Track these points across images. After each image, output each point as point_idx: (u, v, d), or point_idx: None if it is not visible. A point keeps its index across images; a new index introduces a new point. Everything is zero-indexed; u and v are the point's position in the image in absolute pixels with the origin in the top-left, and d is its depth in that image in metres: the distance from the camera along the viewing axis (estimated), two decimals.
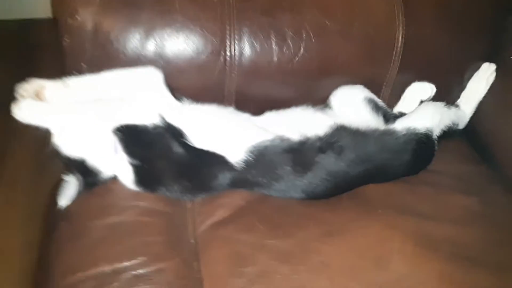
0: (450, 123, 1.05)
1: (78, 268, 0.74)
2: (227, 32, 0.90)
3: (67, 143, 0.80)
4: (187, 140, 0.81)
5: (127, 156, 0.80)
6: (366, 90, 1.03)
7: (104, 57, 0.85)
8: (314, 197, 0.89)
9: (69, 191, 0.84)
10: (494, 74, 1.10)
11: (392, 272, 0.76)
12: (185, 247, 0.80)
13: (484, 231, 0.88)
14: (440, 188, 0.97)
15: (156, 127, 0.79)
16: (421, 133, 0.96)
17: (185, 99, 0.89)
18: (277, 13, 0.92)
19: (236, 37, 0.91)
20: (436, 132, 1.00)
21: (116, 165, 0.83)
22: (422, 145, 0.97)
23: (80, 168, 0.82)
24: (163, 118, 0.80)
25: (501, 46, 1.11)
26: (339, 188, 0.91)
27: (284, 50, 0.94)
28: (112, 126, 0.79)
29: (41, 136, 0.82)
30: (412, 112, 1.02)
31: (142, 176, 0.82)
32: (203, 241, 0.81)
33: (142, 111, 0.79)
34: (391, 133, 0.95)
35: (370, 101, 1.02)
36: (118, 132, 0.78)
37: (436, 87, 1.08)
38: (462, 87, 1.13)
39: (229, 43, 0.90)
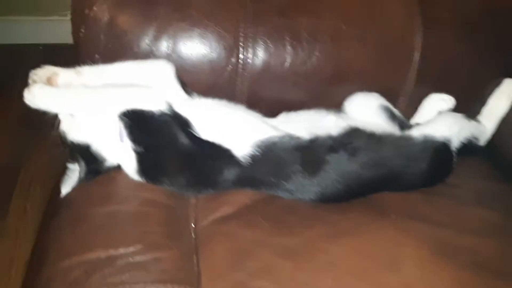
0: (470, 135, 1.01)
1: (73, 252, 0.71)
2: (241, 30, 0.90)
3: (74, 128, 0.80)
4: (193, 131, 0.80)
5: (131, 142, 0.79)
6: (382, 98, 1.01)
7: (118, 49, 0.86)
8: (324, 199, 0.85)
9: (72, 179, 0.83)
10: None
11: (404, 275, 0.71)
12: (185, 240, 0.77)
13: (505, 243, 0.82)
14: (459, 200, 0.92)
15: (162, 114, 0.78)
16: (438, 142, 0.92)
17: (195, 94, 0.88)
18: (293, 15, 0.92)
19: (251, 36, 0.91)
20: (455, 144, 0.96)
21: (120, 153, 0.81)
22: (439, 155, 0.93)
23: (85, 154, 0.82)
24: (170, 106, 0.79)
25: None
26: (350, 191, 0.86)
27: (299, 52, 0.94)
28: (118, 111, 0.78)
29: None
30: (430, 120, 0.98)
31: (146, 165, 0.80)
32: (204, 236, 0.78)
33: (149, 96, 0.79)
34: (407, 139, 0.92)
35: (386, 109, 0.99)
36: (124, 117, 0.78)
37: (455, 101, 1.04)
38: (483, 102, 1.09)
39: (242, 42, 0.91)
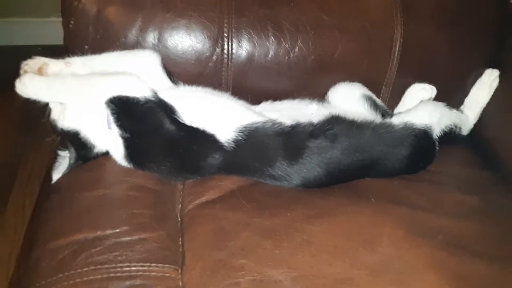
0: (451, 124, 1.03)
1: (61, 234, 0.74)
2: (225, 21, 0.93)
3: (63, 116, 0.83)
4: (178, 117, 0.82)
5: (118, 129, 0.81)
6: (364, 87, 1.03)
7: (106, 39, 0.89)
8: (306, 184, 0.88)
9: (63, 165, 0.85)
10: (497, 80, 1.09)
11: (380, 254, 0.73)
12: (171, 223, 0.80)
13: (482, 225, 0.84)
14: (439, 186, 0.95)
15: (147, 101, 0.81)
16: (419, 129, 0.95)
17: (181, 83, 0.91)
18: (275, 5, 0.95)
19: (234, 27, 0.94)
20: (436, 132, 0.99)
21: (108, 139, 0.84)
22: (420, 141, 0.95)
23: (74, 141, 0.84)
24: (155, 93, 0.82)
25: (505, 51, 1.11)
26: (331, 177, 0.89)
27: (281, 42, 0.96)
28: (105, 98, 0.81)
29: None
30: (411, 109, 1.01)
31: (133, 150, 0.83)
32: (189, 218, 0.81)
33: (134, 83, 0.81)
34: (387, 126, 0.94)
35: (368, 99, 1.02)
36: (110, 104, 0.80)
37: (437, 91, 1.07)
38: (465, 93, 1.12)
39: (226, 32, 0.94)
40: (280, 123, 0.87)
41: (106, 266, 0.69)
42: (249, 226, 0.77)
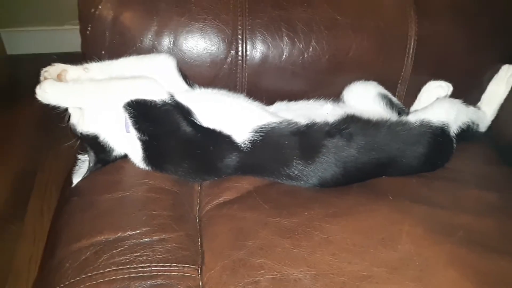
0: (469, 121, 1.02)
1: (83, 235, 0.75)
2: (239, 24, 0.94)
3: (82, 120, 0.84)
4: (195, 119, 0.83)
5: (136, 132, 0.83)
6: (380, 86, 1.03)
7: (122, 45, 0.91)
8: (323, 183, 0.88)
9: (82, 169, 0.87)
10: None
11: (399, 251, 0.73)
12: (189, 223, 0.81)
13: (502, 222, 0.83)
14: (457, 183, 0.94)
15: (164, 104, 0.82)
16: (435, 126, 0.94)
17: (197, 86, 0.92)
18: (288, 6, 0.96)
19: (248, 28, 0.94)
20: (453, 129, 0.98)
21: (126, 142, 0.86)
22: (437, 139, 0.95)
23: (94, 145, 0.86)
24: (172, 96, 0.83)
25: None
26: (348, 176, 0.89)
27: (296, 43, 0.97)
28: (123, 102, 0.82)
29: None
30: (427, 106, 1.00)
31: (151, 153, 0.84)
32: (208, 219, 0.81)
33: (151, 87, 0.83)
34: (404, 124, 0.94)
35: (384, 97, 1.02)
36: (128, 108, 0.82)
37: (454, 88, 1.06)
38: (482, 89, 1.11)
39: (241, 34, 0.94)
40: (296, 123, 0.88)
41: (128, 266, 0.70)
42: (267, 225, 0.77)
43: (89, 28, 0.90)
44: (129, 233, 0.75)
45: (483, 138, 1.10)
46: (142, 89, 0.82)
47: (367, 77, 1.03)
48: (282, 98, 0.98)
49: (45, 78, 0.85)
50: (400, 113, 1.02)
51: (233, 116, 0.87)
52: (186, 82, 0.91)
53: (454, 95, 1.06)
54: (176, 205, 0.83)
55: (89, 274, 0.69)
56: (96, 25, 0.90)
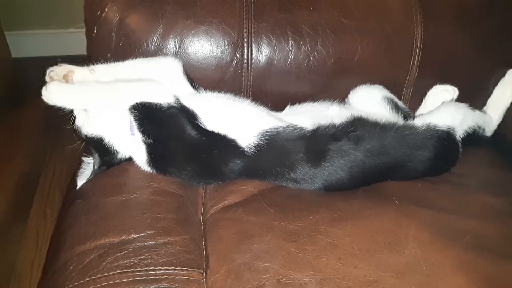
0: (474, 125, 1.02)
1: (87, 238, 0.75)
2: (245, 27, 0.94)
3: (87, 122, 0.84)
4: (200, 123, 0.83)
5: (141, 134, 0.82)
6: (385, 90, 1.03)
7: (128, 47, 0.91)
8: (328, 187, 0.88)
9: (87, 171, 0.87)
10: None
11: (405, 256, 0.73)
12: (194, 227, 0.80)
13: (509, 227, 0.83)
14: (463, 188, 0.94)
15: (170, 107, 0.82)
16: (441, 130, 0.94)
17: (202, 89, 0.92)
18: (294, 10, 0.95)
19: (254, 32, 0.94)
20: (460, 133, 0.97)
21: (131, 145, 0.85)
22: (443, 143, 0.94)
23: (98, 147, 0.86)
24: (177, 99, 0.83)
25: None
26: (354, 180, 0.88)
27: (301, 46, 0.97)
28: (128, 104, 0.82)
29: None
30: (433, 110, 1.00)
31: (155, 156, 0.84)
32: (212, 222, 0.81)
33: (157, 90, 0.82)
34: (410, 128, 0.93)
35: (390, 101, 1.01)
36: (133, 110, 0.82)
37: (459, 91, 1.06)
38: (488, 93, 1.10)
39: (246, 38, 0.94)
40: (302, 128, 0.87)
41: (132, 270, 0.70)
42: (272, 229, 0.77)
43: (95, 31, 0.90)
44: (133, 236, 0.75)
45: (489, 143, 1.09)
46: (147, 91, 0.82)
47: (372, 81, 1.02)
48: (287, 101, 0.98)
49: (51, 79, 0.85)
50: (405, 117, 1.01)
51: (238, 120, 0.87)
52: (192, 85, 0.91)
53: (459, 98, 1.05)
54: (180, 208, 0.83)
55: (93, 277, 0.69)
56: (102, 27, 0.90)
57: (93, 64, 0.88)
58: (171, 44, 0.92)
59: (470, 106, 1.02)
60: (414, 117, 1.01)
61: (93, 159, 0.87)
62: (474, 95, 1.09)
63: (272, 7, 0.95)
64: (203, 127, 0.84)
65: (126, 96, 0.82)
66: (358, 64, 1.00)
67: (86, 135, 0.85)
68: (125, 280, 0.68)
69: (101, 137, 0.85)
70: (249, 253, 0.73)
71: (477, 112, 1.04)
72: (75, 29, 2.44)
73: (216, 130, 0.84)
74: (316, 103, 0.97)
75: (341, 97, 1.01)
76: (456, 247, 0.75)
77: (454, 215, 0.84)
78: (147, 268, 0.70)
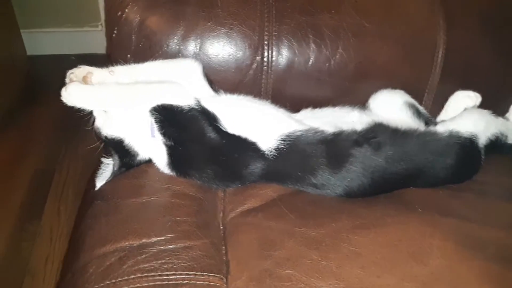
0: (497, 132, 1.00)
1: (107, 240, 0.74)
2: (266, 29, 0.93)
3: (107, 123, 0.84)
4: (220, 125, 0.82)
5: (161, 136, 0.82)
6: (406, 95, 1.01)
7: (148, 48, 0.90)
8: (349, 193, 0.86)
9: (106, 172, 0.86)
10: None
11: (430, 266, 0.71)
12: (213, 231, 0.80)
13: None
14: (486, 196, 0.92)
15: (191, 109, 0.81)
16: (464, 137, 0.92)
17: (222, 91, 0.91)
18: (315, 13, 0.94)
19: (275, 34, 0.93)
20: (482, 140, 0.96)
21: (151, 147, 0.85)
22: (466, 150, 0.93)
23: (118, 148, 0.85)
24: (198, 102, 0.82)
25: None
26: (376, 186, 0.87)
27: (322, 49, 0.96)
28: (149, 106, 0.81)
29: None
30: (456, 116, 0.98)
31: (175, 158, 0.83)
32: (232, 227, 0.80)
33: (178, 92, 0.82)
34: (432, 135, 0.92)
35: (411, 106, 1.00)
36: (154, 112, 0.81)
37: (482, 98, 1.04)
38: (510, 100, 1.08)
39: (267, 40, 0.93)
40: (323, 131, 0.86)
41: (153, 274, 0.69)
42: (294, 235, 0.76)
43: (115, 32, 0.89)
44: (153, 239, 0.74)
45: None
46: (168, 93, 0.81)
47: (393, 85, 1.01)
48: (307, 105, 0.97)
49: (71, 80, 0.84)
50: (427, 123, 1.00)
51: (259, 123, 0.86)
52: (211, 87, 0.90)
53: (482, 105, 1.04)
54: (200, 211, 0.82)
55: (113, 281, 0.68)
56: (123, 28, 0.89)
57: (112, 65, 0.88)
58: (192, 46, 0.91)
59: (493, 113, 1.00)
60: (435, 123, 1.00)
61: (113, 160, 0.87)
62: (497, 101, 1.07)
63: (293, 10, 0.94)
64: (223, 129, 0.83)
65: (146, 97, 0.81)
66: (379, 68, 0.99)
67: (106, 136, 0.85)
68: (145, 284, 0.68)
69: (121, 139, 0.85)
70: (270, 260, 0.72)
71: (500, 119, 1.02)
72: (90, 27, 2.45)
73: (236, 133, 0.84)
74: (336, 108, 0.96)
75: (362, 101, 1.00)
76: (482, 257, 0.74)
77: (477, 224, 0.82)
78: (167, 273, 0.70)
